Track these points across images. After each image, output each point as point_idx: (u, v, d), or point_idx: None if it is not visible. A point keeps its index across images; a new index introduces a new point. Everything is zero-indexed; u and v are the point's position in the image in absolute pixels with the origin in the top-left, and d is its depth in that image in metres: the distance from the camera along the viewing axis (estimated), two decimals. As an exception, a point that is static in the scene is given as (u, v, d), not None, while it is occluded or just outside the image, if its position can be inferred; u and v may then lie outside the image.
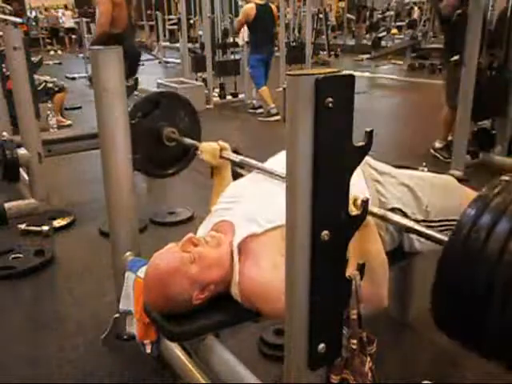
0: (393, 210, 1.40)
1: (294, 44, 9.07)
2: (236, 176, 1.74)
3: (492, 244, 0.74)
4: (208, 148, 1.67)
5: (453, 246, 0.80)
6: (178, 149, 1.99)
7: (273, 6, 6.25)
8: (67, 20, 17.32)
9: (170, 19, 14.00)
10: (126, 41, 3.88)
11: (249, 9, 5.87)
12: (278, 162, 1.47)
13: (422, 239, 1.16)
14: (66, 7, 18.91)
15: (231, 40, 7.57)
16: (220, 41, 7.72)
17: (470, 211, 0.79)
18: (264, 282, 1.18)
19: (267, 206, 1.32)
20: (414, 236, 1.43)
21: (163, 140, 1.92)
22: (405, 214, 1.41)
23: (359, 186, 1.33)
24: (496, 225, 0.75)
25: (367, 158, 1.51)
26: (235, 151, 1.71)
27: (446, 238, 0.87)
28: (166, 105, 1.95)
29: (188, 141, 1.90)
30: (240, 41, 7.55)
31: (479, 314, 0.77)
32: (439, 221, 1.45)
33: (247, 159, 1.60)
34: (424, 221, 1.43)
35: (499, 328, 0.75)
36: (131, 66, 3.80)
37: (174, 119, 1.96)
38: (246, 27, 7.89)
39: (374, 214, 1.06)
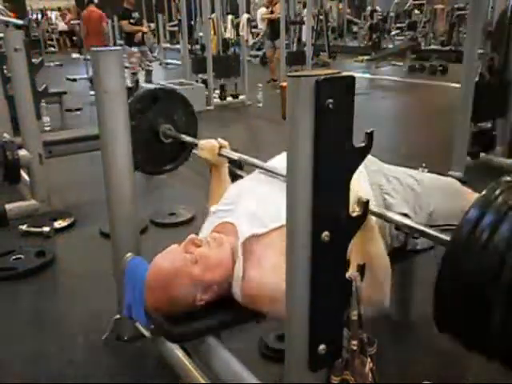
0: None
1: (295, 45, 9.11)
2: (235, 177, 1.74)
3: (494, 245, 0.75)
4: (207, 145, 1.66)
5: (455, 246, 0.80)
6: (174, 146, 1.97)
7: None
8: (60, 23, 17.40)
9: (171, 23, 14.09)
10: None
11: None
12: (278, 163, 1.47)
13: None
14: (59, 9, 18.97)
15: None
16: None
17: (472, 212, 0.79)
18: (265, 282, 1.18)
19: (268, 206, 1.32)
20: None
21: (160, 137, 1.91)
22: (410, 218, 1.41)
23: (364, 189, 1.33)
24: (498, 226, 0.75)
25: (373, 161, 1.51)
26: (235, 151, 1.72)
27: (448, 238, 0.87)
28: (162, 102, 1.93)
29: (186, 138, 1.89)
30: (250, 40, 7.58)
31: (482, 315, 0.77)
32: (443, 225, 1.46)
33: (246, 157, 1.60)
34: (428, 225, 1.43)
35: (502, 329, 0.75)
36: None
37: (170, 116, 1.95)
38: (247, 27, 7.90)
39: (376, 215, 1.06)
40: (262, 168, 1.49)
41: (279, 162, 1.46)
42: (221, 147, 1.65)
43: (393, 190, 1.44)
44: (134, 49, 7.40)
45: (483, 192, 0.82)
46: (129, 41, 7.48)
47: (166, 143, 1.94)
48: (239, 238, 1.27)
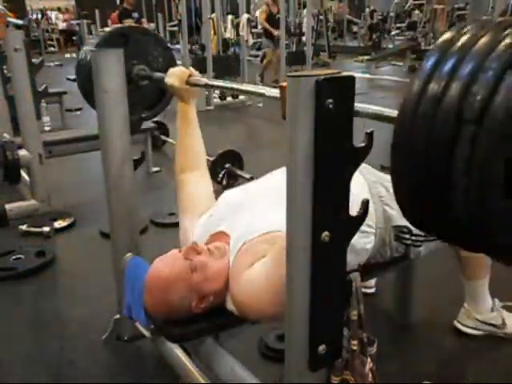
0: (398, 227, 1.41)
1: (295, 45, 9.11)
2: (235, 177, 1.73)
3: (452, 92, 0.63)
4: (176, 71, 1.52)
5: (403, 112, 0.69)
6: (152, 89, 1.88)
7: None
8: (60, 23, 17.42)
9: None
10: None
11: None
12: (274, 178, 1.45)
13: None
14: (59, 9, 18.97)
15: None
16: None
17: (426, 61, 0.68)
18: (245, 293, 1.18)
19: (260, 217, 1.30)
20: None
21: (134, 79, 1.78)
22: (410, 231, 1.42)
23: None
24: (458, 68, 0.64)
25: (372, 172, 1.50)
26: (234, 152, 1.71)
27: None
28: (135, 41, 1.81)
29: (158, 75, 1.72)
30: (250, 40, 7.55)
31: (445, 185, 0.65)
32: None
33: (214, 82, 1.54)
34: (426, 235, 1.44)
35: (468, 184, 0.63)
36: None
37: (144, 57, 1.83)
38: (247, 27, 7.89)
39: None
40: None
41: (276, 177, 1.44)
42: (190, 75, 1.52)
43: (392, 200, 1.44)
44: None
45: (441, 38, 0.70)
46: None
47: (142, 86, 1.81)
48: (232, 250, 1.27)
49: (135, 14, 7.53)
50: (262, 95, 1.21)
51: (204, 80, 1.54)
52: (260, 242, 1.22)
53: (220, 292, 1.24)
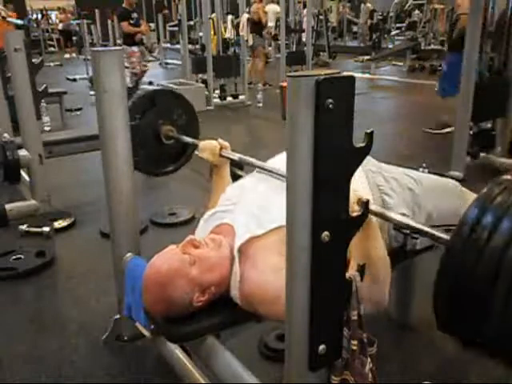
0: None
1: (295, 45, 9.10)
2: (235, 177, 1.74)
3: (494, 243, 0.75)
4: (208, 146, 1.66)
5: (455, 244, 0.80)
6: (176, 147, 1.99)
7: None
8: (59, 23, 17.42)
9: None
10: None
11: None
12: (278, 162, 1.47)
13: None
14: (59, 9, 18.96)
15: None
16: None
17: (472, 210, 0.79)
18: (262, 283, 1.18)
19: (267, 207, 1.31)
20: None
21: (161, 138, 1.92)
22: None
23: (363, 190, 1.33)
24: (498, 224, 0.75)
25: (372, 162, 1.51)
26: (233, 151, 1.72)
27: (447, 237, 0.87)
28: (162, 102, 1.93)
29: (187, 139, 1.90)
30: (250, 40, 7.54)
31: (482, 313, 0.77)
32: (442, 225, 1.46)
33: (246, 157, 1.60)
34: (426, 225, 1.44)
35: (502, 327, 0.75)
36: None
37: (171, 117, 1.95)
38: (247, 27, 7.89)
39: (376, 214, 1.06)
40: (262, 168, 1.49)
41: (279, 162, 1.46)
42: (221, 148, 1.65)
43: (391, 190, 1.44)
44: (135, 48, 7.36)
45: (482, 191, 0.82)
46: (128, 40, 7.44)
47: (167, 144, 1.95)
48: (238, 239, 1.27)
49: (134, 15, 7.49)
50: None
51: (237, 155, 1.63)
52: (274, 237, 1.22)
53: (221, 282, 1.24)
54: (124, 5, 7.38)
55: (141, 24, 7.55)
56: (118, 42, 9.99)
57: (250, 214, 1.31)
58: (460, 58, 3.69)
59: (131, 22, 7.30)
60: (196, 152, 1.75)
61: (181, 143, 1.96)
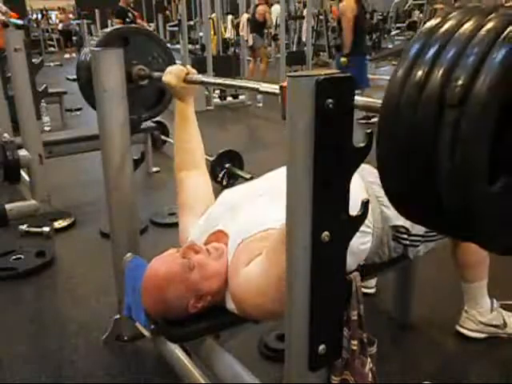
0: (395, 226, 1.41)
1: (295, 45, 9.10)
2: (235, 177, 1.73)
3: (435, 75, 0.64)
4: (174, 69, 1.52)
5: (392, 86, 0.68)
6: (153, 89, 1.89)
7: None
8: (59, 23, 17.41)
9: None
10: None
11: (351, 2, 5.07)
12: (274, 177, 1.45)
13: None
14: (59, 9, 18.96)
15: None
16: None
17: (410, 47, 0.68)
18: (244, 289, 1.18)
19: (259, 215, 1.31)
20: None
21: (134, 79, 1.78)
22: (407, 230, 1.43)
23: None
24: (440, 53, 0.65)
25: (371, 172, 1.49)
26: (234, 152, 1.72)
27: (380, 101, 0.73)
28: (134, 42, 1.82)
29: (157, 74, 1.71)
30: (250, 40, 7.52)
31: (429, 159, 0.65)
32: (440, 237, 1.47)
33: (210, 79, 1.55)
34: (427, 235, 1.46)
35: (451, 168, 0.63)
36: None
37: (144, 58, 1.84)
38: (247, 27, 7.88)
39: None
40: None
41: (276, 178, 1.44)
42: (188, 73, 1.52)
43: None
44: None
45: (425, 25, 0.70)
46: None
47: (142, 87, 1.81)
48: (230, 249, 1.27)
49: (130, 14, 7.45)
50: (256, 90, 1.20)
51: (200, 77, 1.54)
52: (257, 240, 1.22)
53: (218, 291, 1.24)
54: (121, 3, 7.35)
55: (136, 22, 7.52)
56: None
57: (242, 227, 1.29)
58: (363, 59, 4.88)
59: (127, 20, 7.25)
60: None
61: (157, 87, 1.84)
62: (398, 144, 0.68)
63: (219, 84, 1.51)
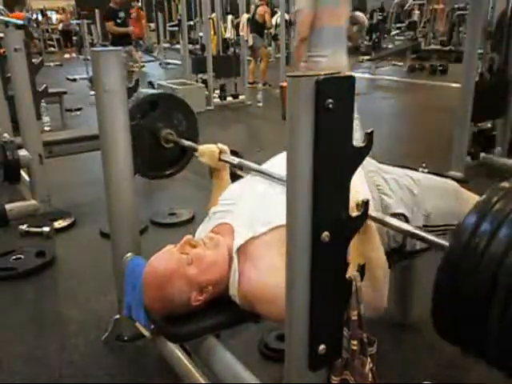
0: (395, 214, 1.41)
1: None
2: (235, 177, 1.74)
3: (492, 250, 0.74)
4: (206, 151, 1.66)
5: (453, 251, 0.80)
6: (175, 150, 2.00)
7: None
8: (59, 23, 17.41)
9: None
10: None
11: None
12: (276, 164, 1.47)
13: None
14: (58, 9, 18.95)
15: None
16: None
17: (470, 218, 0.79)
18: (262, 283, 1.18)
19: (266, 207, 1.31)
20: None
21: (161, 142, 1.93)
22: (406, 219, 1.42)
23: (362, 191, 1.33)
24: (497, 231, 0.75)
25: (371, 162, 1.51)
26: (235, 152, 1.71)
27: (446, 243, 0.87)
28: (163, 106, 1.94)
29: (186, 142, 1.90)
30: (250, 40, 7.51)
31: (481, 321, 0.76)
32: (440, 225, 1.46)
33: (245, 162, 1.60)
34: (425, 226, 1.44)
35: (500, 335, 0.75)
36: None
37: (171, 120, 1.97)
38: (247, 27, 7.88)
39: (375, 219, 1.06)
40: (261, 172, 1.48)
41: (277, 163, 1.46)
42: (220, 152, 1.65)
43: (390, 190, 1.45)
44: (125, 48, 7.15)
45: (482, 197, 0.82)
46: (115, 41, 7.21)
47: (167, 148, 1.96)
48: (237, 239, 1.27)
49: (121, 14, 7.28)
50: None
51: (237, 159, 1.63)
52: (273, 236, 1.22)
53: (219, 281, 1.24)
54: (111, 4, 7.19)
55: (128, 24, 7.42)
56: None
57: (250, 214, 1.31)
58: None
59: (118, 21, 7.13)
60: (196, 154, 1.75)
61: (180, 147, 1.96)
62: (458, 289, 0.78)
63: (254, 169, 1.53)
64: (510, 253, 0.73)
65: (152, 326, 1.40)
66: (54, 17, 19.05)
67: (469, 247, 0.77)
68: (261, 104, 6.71)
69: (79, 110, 6.45)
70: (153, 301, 1.25)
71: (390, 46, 11.70)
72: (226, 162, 1.66)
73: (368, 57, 10.76)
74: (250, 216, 1.30)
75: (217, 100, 6.84)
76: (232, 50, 8.23)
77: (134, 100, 1.93)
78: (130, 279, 1.55)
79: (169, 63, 12.03)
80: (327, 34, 2.89)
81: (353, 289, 0.93)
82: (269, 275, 1.17)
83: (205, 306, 1.26)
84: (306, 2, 2.86)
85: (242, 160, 1.63)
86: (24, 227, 2.82)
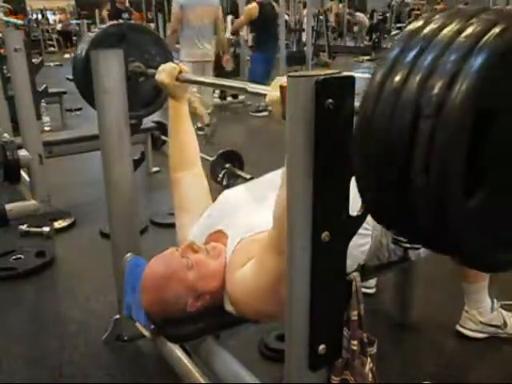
0: None
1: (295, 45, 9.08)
2: (235, 177, 1.73)
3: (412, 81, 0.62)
4: (166, 67, 1.50)
5: (368, 92, 0.67)
6: (149, 87, 1.88)
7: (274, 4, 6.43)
8: (58, 23, 17.41)
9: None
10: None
11: (252, 8, 6.01)
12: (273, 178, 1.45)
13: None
14: (58, 9, 18.95)
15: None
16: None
17: (392, 47, 0.67)
18: (239, 290, 1.18)
19: (256, 217, 1.31)
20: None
21: (130, 76, 1.76)
22: None
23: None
24: (419, 58, 0.62)
25: None
26: (235, 152, 1.71)
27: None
28: (131, 39, 1.80)
29: (153, 71, 1.68)
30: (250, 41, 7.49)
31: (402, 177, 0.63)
32: None
33: (203, 78, 1.53)
34: None
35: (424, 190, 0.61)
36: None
37: (141, 55, 1.82)
38: (248, 28, 7.84)
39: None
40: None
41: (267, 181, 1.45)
42: (181, 72, 1.50)
43: None
44: None
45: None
46: None
47: (138, 84, 1.80)
48: (228, 249, 1.27)
49: (125, 15, 7.37)
50: (244, 90, 1.16)
51: (194, 76, 1.53)
52: (254, 240, 1.22)
53: (216, 291, 1.24)
54: (117, 4, 7.29)
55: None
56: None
57: (242, 228, 1.29)
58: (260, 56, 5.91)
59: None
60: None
61: (153, 85, 1.79)
62: (372, 154, 0.65)
63: (209, 84, 1.51)
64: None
65: (152, 326, 1.40)
66: (52, 18, 19.01)
67: (386, 85, 0.64)
68: (261, 104, 6.70)
69: (79, 110, 6.44)
70: (151, 302, 1.25)
71: (389, 46, 11.71)
72: (185, 81, 1.51)
73: (368, 57, 10.77)
74: (243, 226, 1.29)
75: (217, 100, 6.83)
76: (232, 49, 8.22)
77: (99, 32, 1.77)
78: (130, 280, 1.55)
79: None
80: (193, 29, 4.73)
81: (353, 289, 0.93)
82: (241, 281, 1.17)
83: (203, 309, 1.26)
84: (175, 4, 4.64)
85: (197, 77, 1.53)
86: (24, 227, 2.82)
